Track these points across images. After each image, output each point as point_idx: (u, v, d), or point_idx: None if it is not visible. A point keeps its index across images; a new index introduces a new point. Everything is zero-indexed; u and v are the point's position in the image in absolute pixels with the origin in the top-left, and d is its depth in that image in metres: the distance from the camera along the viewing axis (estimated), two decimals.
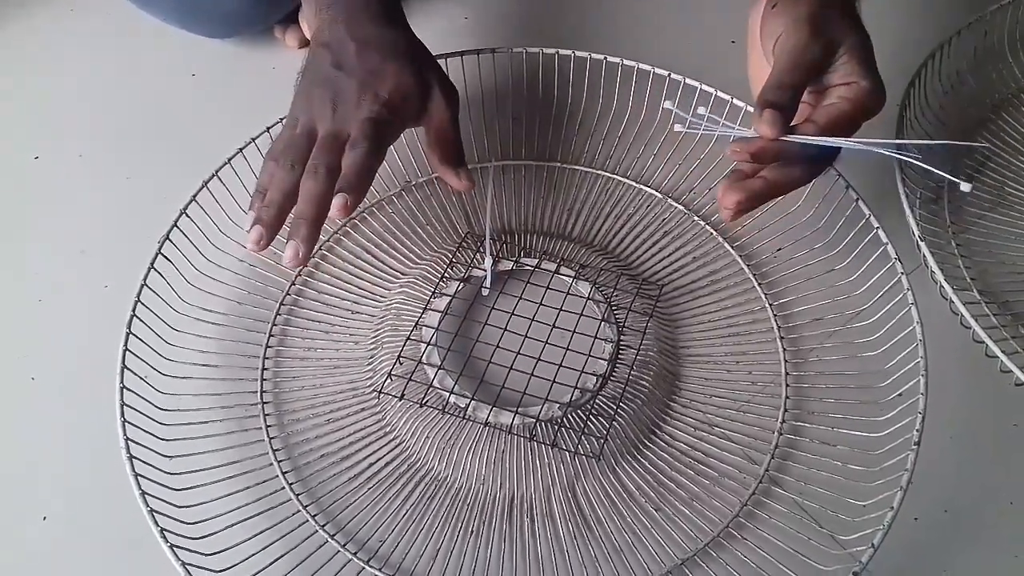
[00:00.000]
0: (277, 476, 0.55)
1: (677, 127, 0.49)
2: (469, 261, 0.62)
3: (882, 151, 0.46)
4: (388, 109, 0.55)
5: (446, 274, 0.62)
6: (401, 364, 0.57)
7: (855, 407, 0.57)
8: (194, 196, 0.61)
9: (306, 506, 0.54)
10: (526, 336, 0.58)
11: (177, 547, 0.49)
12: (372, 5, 0.58)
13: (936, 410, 0.53)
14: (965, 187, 0.44)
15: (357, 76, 0.55)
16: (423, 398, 0.56)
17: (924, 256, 0.59)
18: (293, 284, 0.63)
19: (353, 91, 0.54)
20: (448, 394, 0.56)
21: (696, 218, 0.66)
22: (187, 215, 0.61)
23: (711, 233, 0.65)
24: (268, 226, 0.51)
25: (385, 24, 0.58)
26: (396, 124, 0.56)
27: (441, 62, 0.63)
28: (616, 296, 0.61)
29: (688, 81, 0.66)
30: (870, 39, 0.52)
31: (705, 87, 0.66)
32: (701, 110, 0.49)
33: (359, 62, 0.55)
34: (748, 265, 0.63)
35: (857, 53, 0.51)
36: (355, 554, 0.52)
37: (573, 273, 0.62)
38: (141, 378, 0.56)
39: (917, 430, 0.52)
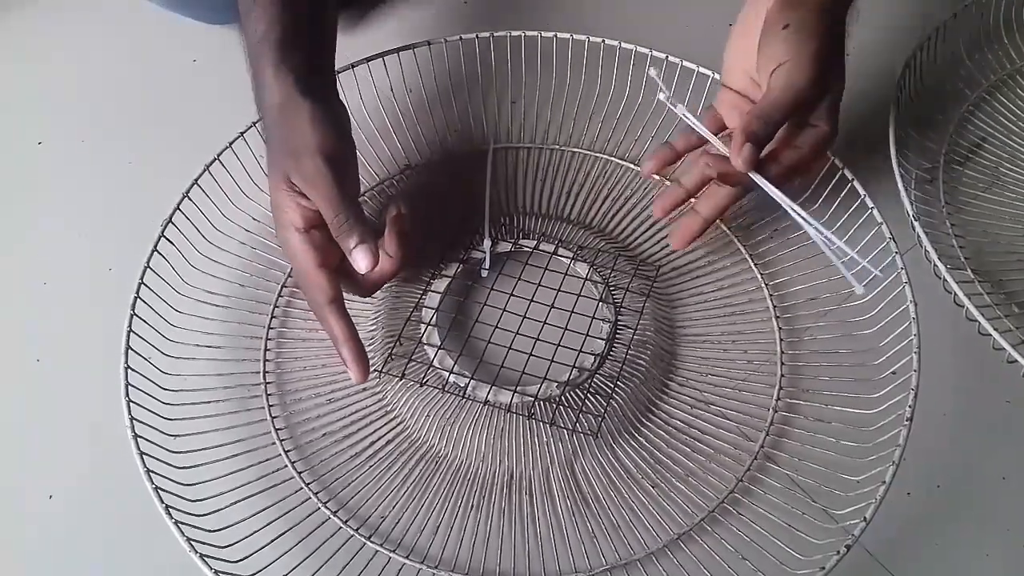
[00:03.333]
0: (280, 455, 0.56)
1: (660, 96, 0.54)
2: (468, 243, 0.63)
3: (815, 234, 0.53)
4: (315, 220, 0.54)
5: (445, 256, 0.62)
6: (401, 344, 0.58)
7: (849, 384, 0.57)
8: (196, 180, 0.62)
9: (308, 484, 0.55)
10: (525, 316, 0.59)
11: (182, 524, 0.50)
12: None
13: (929, 387, 0.54)
14: (859, 290, 0.52)
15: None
16: (423, 378, 0.57)
17: (919, 236, 0.60)
18: None
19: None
20: (448, 374, 0.57)
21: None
22: (189, 198, 0.61)
23: None
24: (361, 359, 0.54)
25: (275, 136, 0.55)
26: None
27: (440, 46, 0.64)
28: (614, 277, 0.62)
29: (686, 64, 0.67)
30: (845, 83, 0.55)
31: (702, 69, 0.66)
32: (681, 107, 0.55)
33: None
34: (744, 245, 0.64)
35: (835, 99, 0.55)
36: (357, 530, 0.53)
37: (571, 254, 0.62)
38: (145, 359, 0.57)
39: (910, 406, 0.52)
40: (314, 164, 0.52)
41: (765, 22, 0.55)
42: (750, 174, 0.52)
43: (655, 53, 0.67)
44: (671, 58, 0.67)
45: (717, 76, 0.65)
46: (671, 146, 0.59)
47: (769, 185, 0.53)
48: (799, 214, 0.53)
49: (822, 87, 0.53)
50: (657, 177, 0.65)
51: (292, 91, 0.53)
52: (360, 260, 0.52)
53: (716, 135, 0.56)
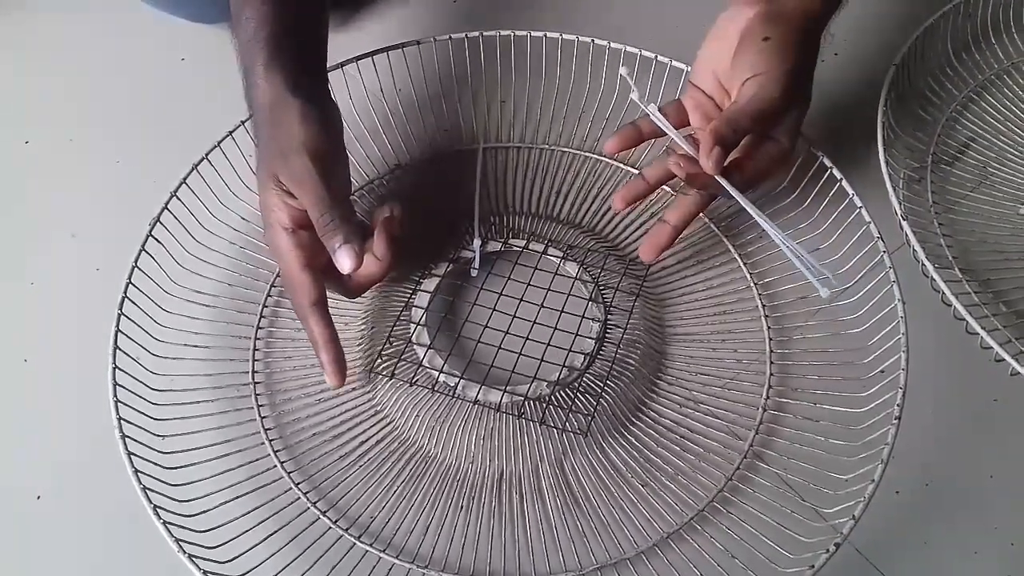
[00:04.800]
0: (269, 455, 0.56)
1: (633, 96, 0.56)
2: (458, 242, 0.63)
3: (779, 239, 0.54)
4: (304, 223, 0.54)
5: (435, 255, 0.62)
6: (391, 344, 0.58)
7: (838, 383, 0.57)
8: (184, 179, 0.62)
9: (298, 484, 0.55)
10: (514, 316, 0.59)
11: (171, 524, 0.50)
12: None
13: (918, 386, 0.54)
14: (823, 293, 0.52)
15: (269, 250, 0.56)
16: (413, 377, 0.57)
17: (907, 235, 0.60)
18: None
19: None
20: (437, 373, 0.57)
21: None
22: (178, 198, 0.61)
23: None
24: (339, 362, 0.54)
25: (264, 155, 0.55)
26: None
27: (429, 45, 0.64)
28: (603, 276, 0.62)
29: (675, 63, 0.67)
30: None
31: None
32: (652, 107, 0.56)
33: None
34: (734, 245, 0.64)
35: (798, 118, 0.56)
36: (346, 530, 0.53)
37: (561, 254, 0.62)
38: (133, 359, 0.56)
39: (898, 405, 0.52)
40: (302, 163, 0.52)
41: (744, 31, 0.55)
42: (716, 177, 0.53)
43: (644, 53, 0.67)
44: (660, 58, 0.67)
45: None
46: (637, 128, 0.60)
47: (734, 189, 0.53)
48: (762, 218, 0.53)
49: (790, 103, 0.55)
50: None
51: (282, 90, 0.53)
52: (344, 260, 0.52)
53: (680, 131, 0.57)
